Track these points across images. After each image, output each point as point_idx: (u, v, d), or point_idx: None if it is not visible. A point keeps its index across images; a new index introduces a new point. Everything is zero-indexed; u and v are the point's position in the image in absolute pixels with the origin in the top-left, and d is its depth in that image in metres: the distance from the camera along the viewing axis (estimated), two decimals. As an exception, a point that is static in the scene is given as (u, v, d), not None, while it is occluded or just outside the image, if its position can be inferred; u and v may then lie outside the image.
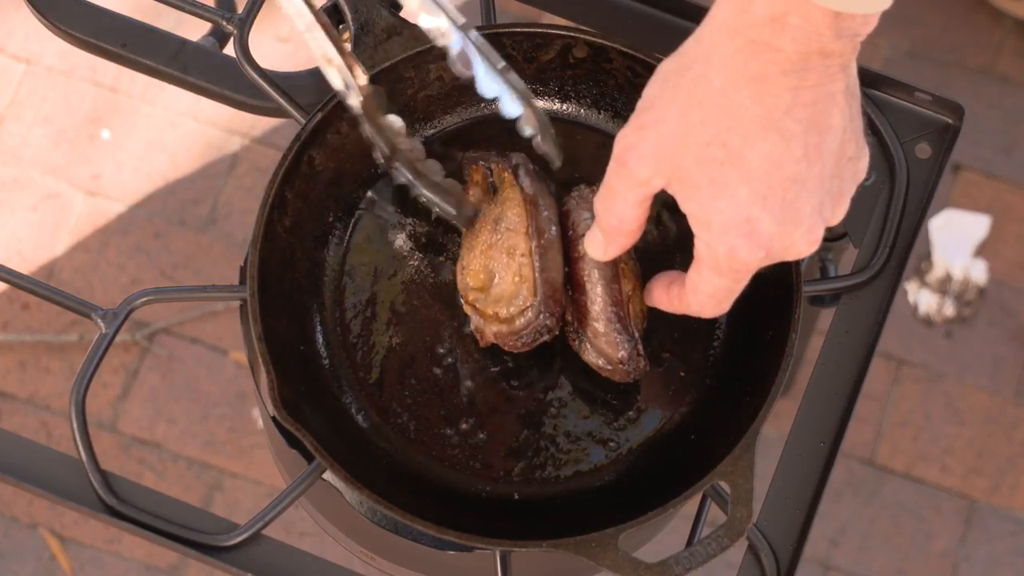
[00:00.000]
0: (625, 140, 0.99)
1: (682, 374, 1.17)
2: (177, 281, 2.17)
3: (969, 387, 2.16)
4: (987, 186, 2.26)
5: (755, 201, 0.96)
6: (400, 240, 1.20)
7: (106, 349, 1.15)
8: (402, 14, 1.18)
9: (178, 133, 2.24)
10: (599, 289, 1.12)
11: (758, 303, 1.16)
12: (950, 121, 1.27)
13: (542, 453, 1.15)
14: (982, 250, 2.22)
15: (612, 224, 1.04)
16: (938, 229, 2.22)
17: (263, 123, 2.24)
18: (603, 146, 1.21)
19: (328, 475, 1.13)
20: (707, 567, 1.07)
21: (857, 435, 2.13)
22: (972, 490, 2.12)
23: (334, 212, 1.20)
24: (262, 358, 1.10)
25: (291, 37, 2.29)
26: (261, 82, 1.22)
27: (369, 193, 1.20)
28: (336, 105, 1.16)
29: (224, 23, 1.25)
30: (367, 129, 1.12)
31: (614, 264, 1.12)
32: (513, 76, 1.06)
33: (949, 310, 2.19)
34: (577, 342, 1.14)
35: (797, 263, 1.13)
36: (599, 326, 1.12)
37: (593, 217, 1.09)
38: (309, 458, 1.13)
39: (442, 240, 1.20)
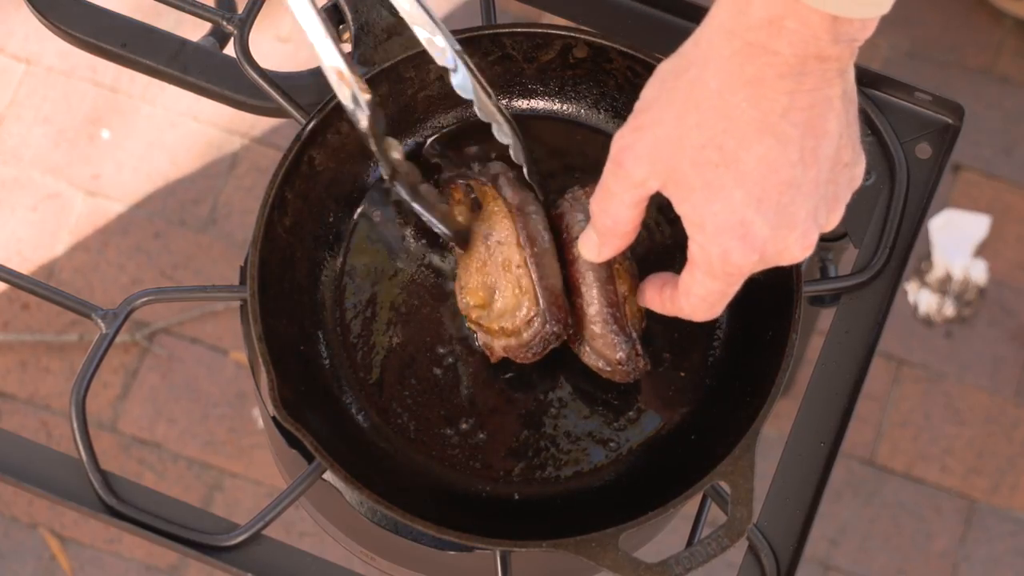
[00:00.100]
0: (622, 141, 0.99)
1: (682, 374, 1.17)
2: (177, 281, 2.17)
3: (969, 387, 2.16)
4: (987, 186, 2.26)
5: (749, 204, 0.95)
6: (400, 240, 1.20)
7: (106, 349, 1.15)
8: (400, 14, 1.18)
9: (178, 133, 2.24)
10: (594, 291, 1.12)
11: (758, 303, 1.16)
12: (950, 121, 1.27)
13: (542, 453, 1.15)
14: (982, 250, 2.22)
15: (607, 225, 1.04)
16: (938, 229, 2.22)
17: (263, 123, 2.24)
18: (603, 146, 1.20)
19: (328, 475, 1.13)
20: (707, 567, 1.07)
21: (857, 435, 2.13)
22: (972, 490, 2.12)
23: (334, 212, 1.20)
24: (262, 358, 1.10)
25: (291, 37, 2.29)
26: (261, 82, 1.22)
27: (369, 193, 1.20)
28: (336, 105, 1.16)
29: (224, 23, 1.25)
30: (371, 146, 1.12)
31: (608, 265, 1.12)
32: (502, 107, 1.13)
33: (949, 310, 2.19)
34: (576, 344, 1.14)
35: (797, 263, 1.12)
36: (596, 328, 1.12)
37: (587, 219, 1.09)
38: (309, 458, 1.13)
39: (442, 240, 1.19)
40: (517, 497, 1.14)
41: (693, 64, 0.95)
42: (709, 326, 1.17)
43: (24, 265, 2.16)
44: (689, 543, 1.13)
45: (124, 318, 1.16)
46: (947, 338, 2.18)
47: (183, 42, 1.29)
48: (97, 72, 2.26)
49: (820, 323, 1.84)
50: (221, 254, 2.19)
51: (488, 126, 1.17)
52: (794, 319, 1.12)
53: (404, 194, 1.14)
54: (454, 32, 1.18)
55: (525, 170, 1.17)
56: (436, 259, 1.19)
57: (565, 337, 1.13)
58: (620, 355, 1.12)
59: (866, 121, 1.26)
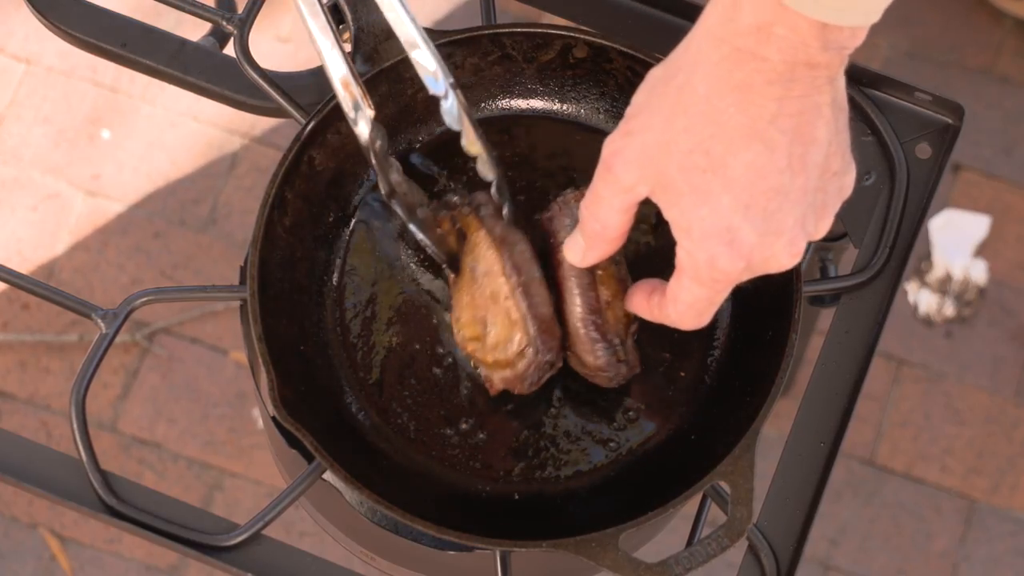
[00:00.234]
0: (612, 145, 0.99)
1: (682, 374, 1.17)
2: (177, 281, 2.17)
3: (969, 387, 2.16)
4: (987, 186, 2.26)
5: (737, 210, 0.95)
6: (400, 240, 1.20)
7: (106, 349, 1.15)
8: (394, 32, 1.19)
9: (178, 133, 2.24)
10: (576, 296, 1.12)
11: (758, 303, 1.16)
12: (950, 121, 1.27)
13: (542, 453, 1.15)
14: (982, 250, 2.22)
15: (595, 230, 1.04)
16: (938, 229, 2.22)
17: (263, 123, 2.24)
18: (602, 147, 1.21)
19: (328, 475, 1.13)
20: (707, 567, 1.07)
21: (857, 435, 2.13)
22: (972, 490, 2.12)
23: (334, 212, 1.20)
24: (262, 358, 1.10)
25: (291, 37, 2.29)
26: (261, 82, 1.22)
27: (369, 194, 1.20)
28: (336, 105, 1.16)
29: (224, 23, 1.25)
30: (371, 160, 1.12)
31: (591, 271, 1.12)
32: (488, 144, 1.14)
33: (949, 310, 2.19)
34: (564, 349, 1.14)
35: (798, 264, 1.12)
36: (577, 333, 1.12)
37: (574, 224, 1.09)
38: (309, 458, 1.13)
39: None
40: (517, 497, 1.14)
41: (682, 69, 0.95)
42: (709, 326, 1.17)
43: (24, 265, 2.16)
44: (689, 543, 1.13)
45: (124, 318, 1.16)
46: (947, 338, 2.18)
47: (183, 42, 1.29)
48: (97, 72, 2.26)
49: (820, 323, 1.84)
50: (221, 254, 2.19)
51: (486, 125, 1.17)
52: (794, 319, 1.12)
53: (400, 213, 1.14)
54: (454, 32, 1.18)
55: (505, 210, 1.16)
56: (436, 260, 1.19)
57: (560, 364, 1.13)
58: (600, 361, 1.12)
59: (866, 121, 1.26)
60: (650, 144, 0.96)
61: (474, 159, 1.16)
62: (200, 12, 1.27)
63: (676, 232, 0.98)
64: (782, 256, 0.97)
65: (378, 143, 1.12)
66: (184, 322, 2.15)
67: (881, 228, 1.23)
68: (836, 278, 1.25)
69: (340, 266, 1.19)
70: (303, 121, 1.19)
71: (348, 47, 1.17)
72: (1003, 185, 2.26)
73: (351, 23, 1.18)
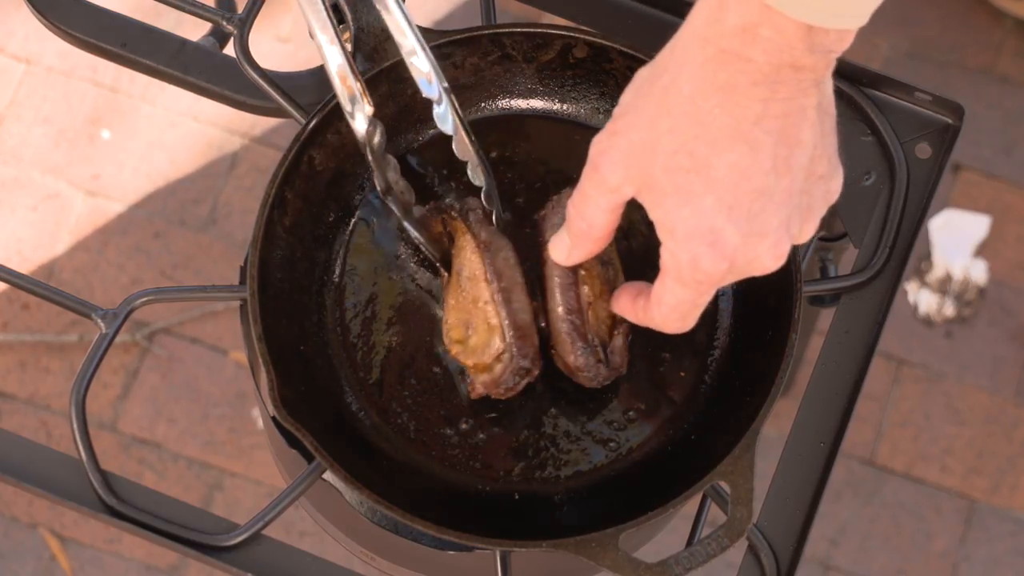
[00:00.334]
0: (599, 145, 0.99)
1: (682, 374, 1.17)
2: (177, 281, 2.17)
3: (969, 387, 2.16)
4: (987, 186, 2.26)
5: (720, 211, 0.95)
6: (400, 240, 1.20)
7: (106, 349, 1.15)
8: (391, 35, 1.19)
9: (178, 133, 2.24)
10: (556, 295, 1.12)
11: (758, 303, 1.16)
12: (950, 121, 1.27)
13: (542, 453, 1.15)
14: (982, 250, 2.22)
15: (581, 229, 1.03)
16: (938, 229, 2.22)
17: (263, 123, 2.24)
18: (603, 146, 1.21)
19: (328, 475, 1.13)
20: (707, 567, 1.07)
21: (857, 435, 2.13)
22: (972, 490, 2.12)
23: (334, 212, 1.20)
24: (262, 358, 1.10)
25: (291, 37, 2.29)
26: (261, 82, 1.22)
27: (369, 193, 1.20)
28: (336, 105, 1.16)
29: (224, 23, 1.25)
30: (368, 157, 1.12)
31: (574, 270, 1.12)
32: (480, 149, 1.15)
33: (949, 310, 2.19)
34: (549, 347, 1.14)
35: (797, 263, 1.12)
36: (558, 333, 1.12)
37: (563, 223, 1.09)
38: (309, 458, 1.13)
39: (433, 261, 1.19)
40: (517, 497, 1.14)
41: (668, 70, 0.95)
42: (709, 326, 1.17)
43: (24, 265, 2.16)
44: (689, 543, 1.13)
45: (124, 318, 1.16)
46: (947, 338, 2.19)
47: (183, 42, 1.29)
48: (97, 72, 2.26)
49: (820, 323, 1.84)
50: (221, 254, 2.19)
51: (485, 127, 1.17)
52: (794, 319, 1.12)
53: (396, 211, 1.14)
54: (454, 32, 1.18)
55: (494, 215, 1.17)
56: (434, 261, 1.19)
57: (538, 371, 1.13)
58: (579, 361, 1.12)
59: (866, 121, 1.26)
60: (635, 144, 0.96)
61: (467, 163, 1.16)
62: (200, 12, 1.27)
63: (660, 233, 0.98)
64: (766, 258, 0.97)
65: (375, 139, 1.12)
66: (184, 322, 2.15)
67: (881, 228, 1.23)
68: (836, 278, 1.25)
69: (340, 266, 1.19)
70: (303, 121, 1.19)
71: (349, 47, 1.17)
72: (1003, 185, 2.26)
73: (351, 23, 1.18)
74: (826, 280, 1.25)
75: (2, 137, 2.23)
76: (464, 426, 1.16)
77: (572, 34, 1.20)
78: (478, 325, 1.13)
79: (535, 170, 1.21)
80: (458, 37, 1.19)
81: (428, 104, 1.21)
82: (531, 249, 1.15)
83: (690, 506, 1.12)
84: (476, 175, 1.16)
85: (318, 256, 1.19)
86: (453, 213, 1.15)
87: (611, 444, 1.15)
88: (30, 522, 2.07)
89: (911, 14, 2.34)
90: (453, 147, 1.15)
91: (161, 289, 1.18)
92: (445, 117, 1.14)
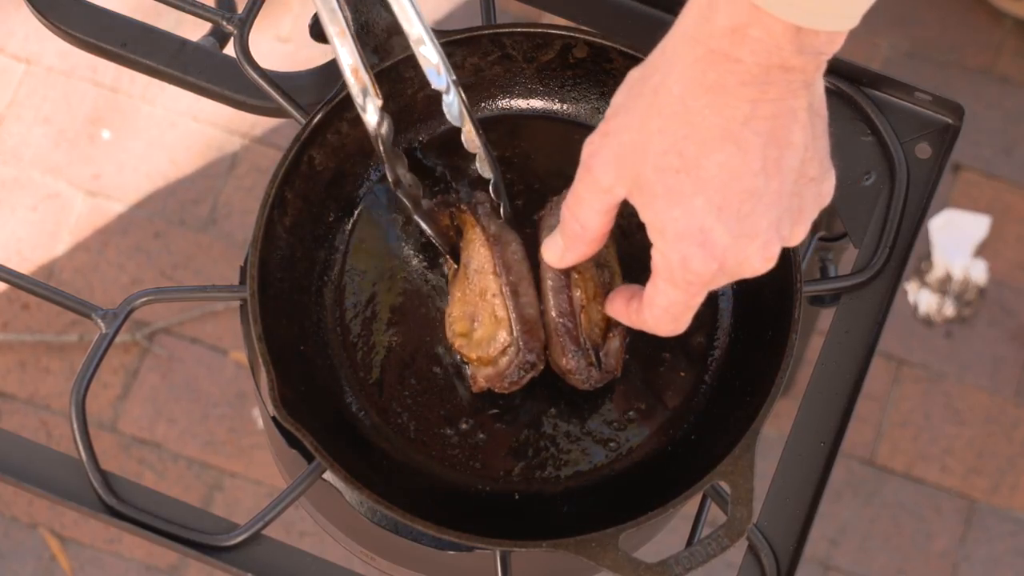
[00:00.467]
0: (591, 146, 0.99)
1: (682, 374, 1.17)
2: (177, 281, 2.17)
3: (969, 387, 2.16)
4: (987, 186, 2.26)
5: (710, 211, 0.95)
6: (400, 240, 1.20)
7: (106, 349, 1.15)
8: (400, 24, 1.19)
9: (178, 133, 2.24)
10: (549, 298, 1.12)
11: (758, 303, 1.16)
12: (950, 121, 1.27)
13: (542, 453, 1.15)
14: (982, 250, 2.22)
15: (575, 230, 1.03)
16: (938, 229, 2.22)
17: (263, 123, 2.24)
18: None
19: (328, 475, 1.13)
20: (707, 567, 1.07)
21: (857, 435, 2.13)
22: (972, 490, 2.12)
23: (334, 212, 1.20)
24: (262, 358, 1.10)
25: (291, 37, 2.29)
26: (261, 82, 1.22)
27: (369, 193, 1.20)
28: (336, 105, 1.16)
29: (224, 23, 1.25)
30: (379, 149, 1.12)
31: (567, 273, 1.12)
32: (487, 143, 1.15)
33: (949, 310, 2.19)
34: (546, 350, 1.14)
35: (797, 263, 1.12)
36: (550, 335, 1.13)
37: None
38: (309, 458, 1.13)
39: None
40: (517, 497, 1.14)
41: (658, 70, 0.95)
42: (710, 326, 1.17)
43: (24, 265, 2.16)
44: (689, 543, 1.13)
45: (124, 318, 1.16)
46: (947, 338, 2.19)
47: (183, 42, 1.29)
48: (97, 72, 2.26)
49: (820, 323, 1.84)
50: (221, 254, 2.19)
51: (486, 127, 1.17)
52: (794, 319, 1.12)
53: (407, 204, 1.15)
54: (454, 32, 1.18)
55: (502, 209, 1.17)
56: (436, 259, 1.19)
57: (542, 366, 1.13)
58: (570, 364, 1.12)
59: (866, 121, 1.26)
60: (626, 145, 0.96)
61: (474, 157, 1.16)
62: (200, 12, 1.27)
63: (651, 233, 0.98)
64: (755, 259, 0.97)
65: (385, 132, 1.12)
66: (184, 322, 2.15)
67: (881, 228, 1.23)
68: (836, 278, 1.25)
69: (340, 266, 1.19)
70: (303, 121, 1.19)
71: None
72: (1003, 185, 2.26)
73: (351, 23, 1.18)
74: (826, 280, 1.25)
75: (2, 137, 2.23)
76: (464, 426, 1.16)
77: (572, 34, 1.20)
78: (484, 318, 1.13)
79: (535, 170, 1.21)
80: (458, 37, 1.19)
81: (429, 103, 1.21)
82: (531, 249, 1.15)
83: (690, 506, 1.12)
84: (484, 168, 1.16)
85: (318, 256, 1.19)
86: (463, 206, 1.16)
87: (611, 444, 1.15)
88: (30, 522, 2.07)
89: (911, 14, 2.34)
90: (462, 139, 1.15)
91: (161, 289, 1.18)
92: (453, 108, 1.13)
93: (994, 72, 2.32)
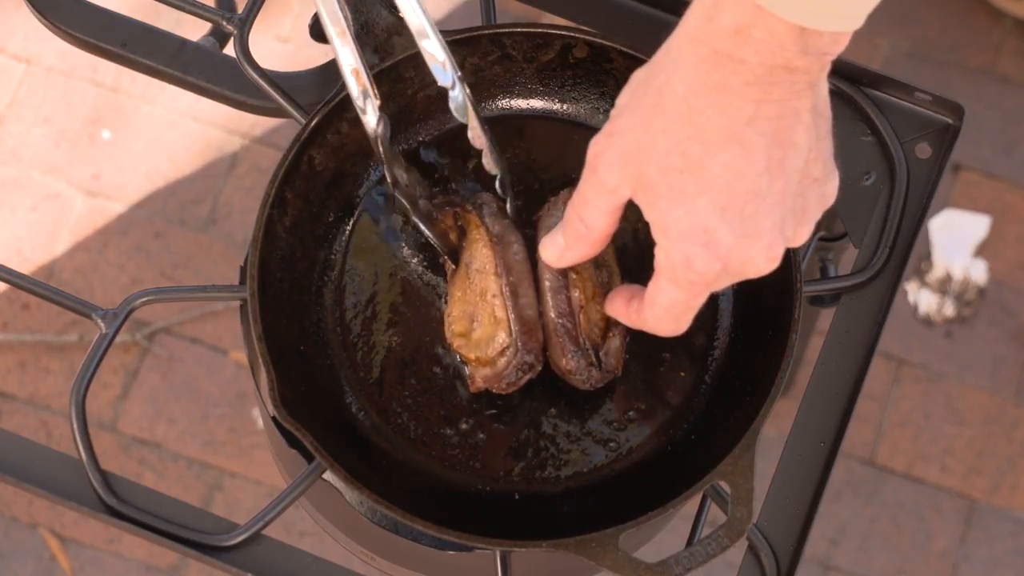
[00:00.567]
0: (596, 147, 0.99)
1: (682, 374, 1.17)
2: (177, 281, 2.17)
3: (969, 387, 2.16)
4: (987, 186, 2.26)
5: (713, 211, 0.95)
6: (400, 240, 1.20)
7: (106, 349, 1.15)
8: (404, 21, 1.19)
9: (178, 133, 2.24)
10: (548, 298, 1.12)
11: (758, 303, 1.16)
12: (950, 121, 1.27)
13: (542, 453, 1.15)
14: (982, 250, 2.22)
15: (580, 231, 1.03)
16: (938, 229, 2.22)
17: (263, 123, 2.24)
18: (603, 146, 1.21)
19: (328, 475, 1.13)
20: (707, 567, 1.07)
21: (857, 435, 2.13)
22: (972, 490, 2.12)
23: (334, 212, 1.20)
24: (262, 358, 1.10)
25: (291, 37, 2.29)
26: (261, 82, 1.22)
27: (369, 193, 1.20)
28: (336, 105, 1.16)
29: (224, 23, 1.25)
30: (378, 150, 1.12)
31: (565, 273, 1.12)
32: (493, 139, 1.15)
33: (949, 310, 2.19)
34: (545, 351, 1.14)
35: (797, 263, 1.12)
36: (549, 335, 1.13)
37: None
38: (309, 458, 1.13)
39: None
40: (517, 497, 1.14)
41: (663, 70, 0.95)
42: (709, 326, 1.17)
43: (24, 265, 2.16)
44: (689, 543, 1.13)
45: (124, 318, 1.16)
46: (947, 338, 2.19)
47: (183, 42, 1.29)
48: (97, 72, 2.26)
49: (820, 323, 1.84)
50: (221, 254, 2.19)
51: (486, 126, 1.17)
52: (794, 319, 1.12)
53: (404, 204, 1.15)
54: (454, 32, 1.18)
55: (508, 205, 1.17)
56: (436, 259, 1.19)
57: (540, 368, 1.13)
58: (570, 364, 1.12)
59: (866, 121, 1.26)
60: (630, 145, 0.96)
61: (477, 154, 1.16)
62: (200, 12, 1.27)
63: (654, 233, 0.98)
64: (759, 260, 0.97)
65: (383, 132, 1.12)
66: (184, 322, 2.15)
67: (881, 228, 1.23)
68: (836, 278, 1.25)
69: (340, 266, 1.19)
70: (303, 121, 1.19)
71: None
72: (1003, 185, 2.26)
73: (351, 23, 1.18)
74: (826, 280, 1.25)
75: (2, 137, 2.23)
76: (464, 426, 1.16)
77: (572, 34, 1.20)
78: (484, 318, 1.13)
79: (535, 170, 1.21)
80: (458, 37, 1.19)
81: (428, 103, 1.21)
82: (530, 250, 1.15)
83: (690, 506, 1.12)
84: (490, 163, 1.16)
85: (318, 256, 1.19)
86: (468, 206, 1.16)
87: (611, 444, 1.15)
88: (30, 522, 2.07)
89: (911, 14, 2.34)
90: (468, 135, 1.15)
91: (161, 289, 1.18)
92: (459, 104, 1.14)
93: (994, 72, 2.32)
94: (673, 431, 1.16)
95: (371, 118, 1.11)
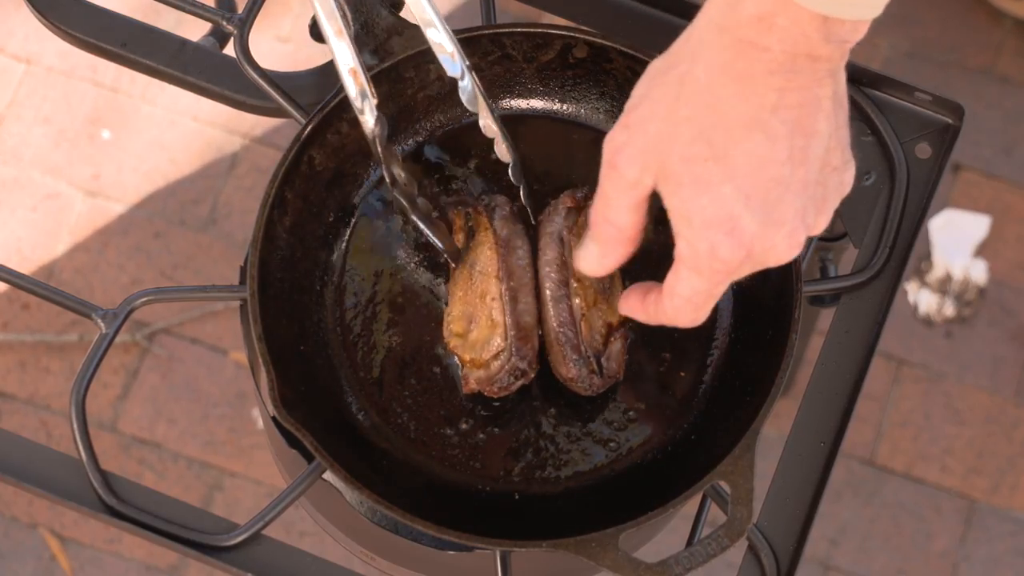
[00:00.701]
0: (613, 142, 0.98)
1: (682, 374, 1.17)
2: (177, 281, 2.17)
3: (969, 387, 2.16)
4: (987, 186, 2.26)
5: (738, 199, 0.95)
6: (400, 240, 1.20)
7: (106, 349, 1.15)
8: (403, 14, 1.19)
9: (178, 133, 2.24)
10: (549, 307, 1.12)
11: (758, 303, 1.16)
12: (950, 121, 1.27)
13: (542, 453, 1.15)
14: (982, 250, 2.22)
15: (610, 233, 1.02)
16: (938, 229, 2.22)
17: (263, 123, 2.24)
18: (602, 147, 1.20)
19: (328, 475, 1.13)
20: (707, 567, 1.07)
21: (857, 435, 2.13)
22: (972, 490, 2.12)
23: (334, 212, 1.20)
24: (262, 358, 1.10)
25: (291, 37, 2.29)
26: (261, 82, 1.22)
27: (369, 193, 1.20)
28: (336, 105, 1.16)
29: (224, 23, 1.25)
30: (375, 149, 1.12)
31: (565, 283, 1.12)
32: (504, 128, 1.15)
33: (949, 310, 2.19)
34: (547, 355, 1.14)
35: (798, 263, 1.12)
36: (550, 343, 1.13)
37: (557, 231, 1.10)
38: (309, 458, 1.13)
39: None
40: (517, 497, 1.14)
41: (683, 59, 0.95)
42: (709, 326, 1.17)
43: (24, 265, 2.16)
44: (689, 543, 1.13)
45: (124, 318, 1.16)
46: (947, 338, 2.19)
47: (183, 42, 1.29)
48: (97, 72, 2.26)
49: (820, 323, 1.84)
50: (221, 254, 2.19)
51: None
52: (794, 319, 1.12)
53: (403, 204, 1.15)
54: (454, 32, 1.18)
55: (522, 191, 1.17)
56: (436, 259, 1.19)
57: (533, 374, 1.13)
58: (572, 372, 1.12)
59: (866, 121, 1.26)
60: (652, 135, 0.96)
61: (480, 154, 1.16)
62: (200, 12, 1.27)
63: (677, 222, 0.97)
64: (781, 247, 0.97)
65: (380, 132, 1.12)
66: (184, 322, 2.15)
67: (881, 228, 1.23)
68: (836, 278, 1.25)
69: (340, 266, 1.19)
70: (303, 121, 1.19)
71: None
72: (1003, 185, 2.26)
73: (351, 23, 1.18)
74: (826, 280, 1.25)
75: (2, 137, 2.23)
76: (464, 426, 1.16)
77: (572, 34, 1.20)
78: (481, 320, 1.13)
79: (535, 171, 1.21)
80: (458, 37, 1.19)
81: (429, 103, 1.21)
82: (534, 257, 1.15)
83: (690, 506, 1.12)
84: (502, 151, 1.16)
85: (318, 256, 1.19)
86: (479, 207, 1.16)
87: (611, 444, 1.15)
88: (30, 522, 2.07)
89: (911, 14, 2.34)
90: (480, 124, 1.15)
91: (161, 289, 1.18)
92: (469, 94, 1.14)
93: (994, 72, 2.32)
94: (673, 431, 1.16)
95: (368, 118, 1.11)
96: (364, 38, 1.18)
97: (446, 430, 1.15)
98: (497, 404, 1.15)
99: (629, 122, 0.97)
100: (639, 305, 1.07)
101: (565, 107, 1.23)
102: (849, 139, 0.98)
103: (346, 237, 1.20)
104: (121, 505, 1.12)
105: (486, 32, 1.20)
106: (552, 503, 1.14)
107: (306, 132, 1.16)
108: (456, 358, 1.15)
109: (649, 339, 1.16)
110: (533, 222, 1.17)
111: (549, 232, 1.14)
